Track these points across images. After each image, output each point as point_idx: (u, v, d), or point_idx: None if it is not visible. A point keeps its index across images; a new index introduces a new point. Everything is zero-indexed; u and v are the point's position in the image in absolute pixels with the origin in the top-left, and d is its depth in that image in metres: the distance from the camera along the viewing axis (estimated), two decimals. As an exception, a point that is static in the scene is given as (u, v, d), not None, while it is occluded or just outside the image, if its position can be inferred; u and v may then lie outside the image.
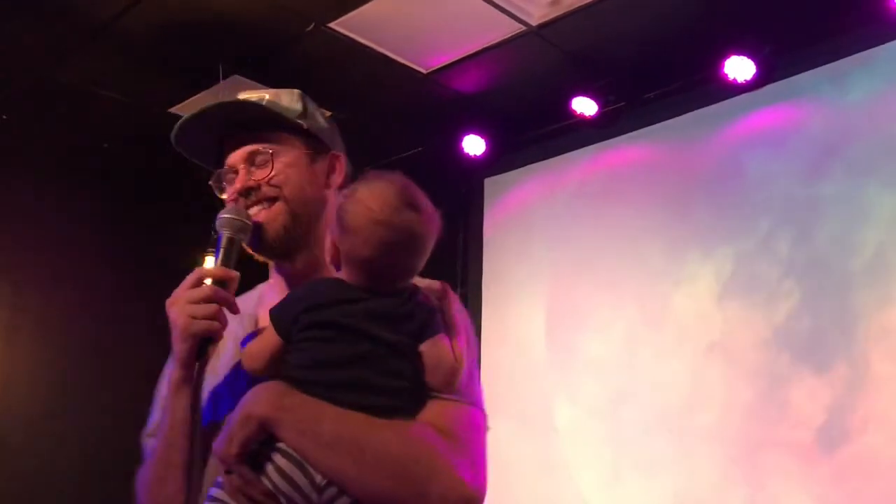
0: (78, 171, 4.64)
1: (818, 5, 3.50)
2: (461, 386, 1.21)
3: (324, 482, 1.11)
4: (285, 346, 1.20)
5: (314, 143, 1.41)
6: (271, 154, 1.38)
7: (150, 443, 1.31)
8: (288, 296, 1.28)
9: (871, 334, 3.35)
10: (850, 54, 3.59)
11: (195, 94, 4.27)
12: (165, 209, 4.80)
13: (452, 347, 1.20)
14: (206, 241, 4.29)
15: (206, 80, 4.10)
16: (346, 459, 1.11)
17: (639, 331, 4.03)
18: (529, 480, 4.09)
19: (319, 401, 1.14)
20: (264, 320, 1.28)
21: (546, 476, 4.09)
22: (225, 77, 4.06)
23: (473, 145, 4.51)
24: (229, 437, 1.14)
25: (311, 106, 1.46)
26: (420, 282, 1.29)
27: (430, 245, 1.23)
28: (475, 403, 1.25)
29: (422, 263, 1.24)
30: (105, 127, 4.56)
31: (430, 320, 1.20)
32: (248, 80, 4.13)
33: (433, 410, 1.18)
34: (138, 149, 4.71)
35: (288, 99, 1.44)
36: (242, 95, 1.45)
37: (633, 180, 4.23)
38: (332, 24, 3.68)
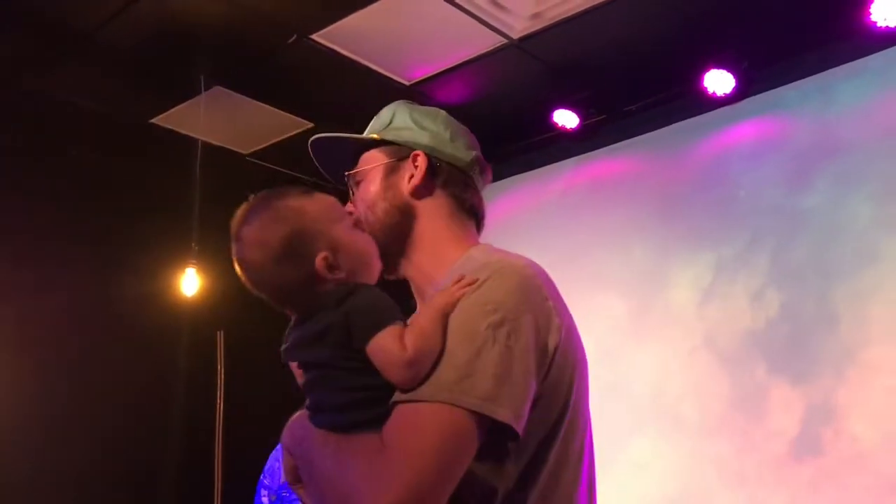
0: (55, 183, 4.60)
1: (796, 20, 3.54)
2: (433, 379, 1.07)
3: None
4: None
5: (397, 151, 1.37)
6: (355, 179, 1.39)
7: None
8: None
9: (848, 345, 3.38)
10: (827, 68, 3.64)
11: (176, 106, 4.25)
12: (145, 221, 4.77)
13: (403, 342, 1.08)
14: (186, 252, 4.28)
15: (189, 91, 4.09)
16: (309, 479, 1.15)
17: (621, 338, 4.05)
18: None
19: (309, 425, 1.16)
20: None
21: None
22: (207, 88, 4.05)
23: (455, 157, 4.51)
24: (283, 464, 1.23)
25: (403, 113, 1.41)
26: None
27: (266, 266, 1.18)
28: (439, 398, 1.05)
29: (278, 285, 1.19)
30: (84, 138, 4.53)
31: (355, 323, 1.11)
32: (230, 91, 4.13)
33: (392, 417, 1.08)
34: (118, 160, 4.69)
35: (382, 114, 1.44)
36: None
37: (614, 192, 4.26)
38: (314, 36, 3.68)
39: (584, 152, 4.35)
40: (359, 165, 1.39)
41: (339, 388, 1.13)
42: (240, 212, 1.23)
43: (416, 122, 1.39)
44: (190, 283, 4.13)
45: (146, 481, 4.72)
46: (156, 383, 4.72)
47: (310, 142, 1.43)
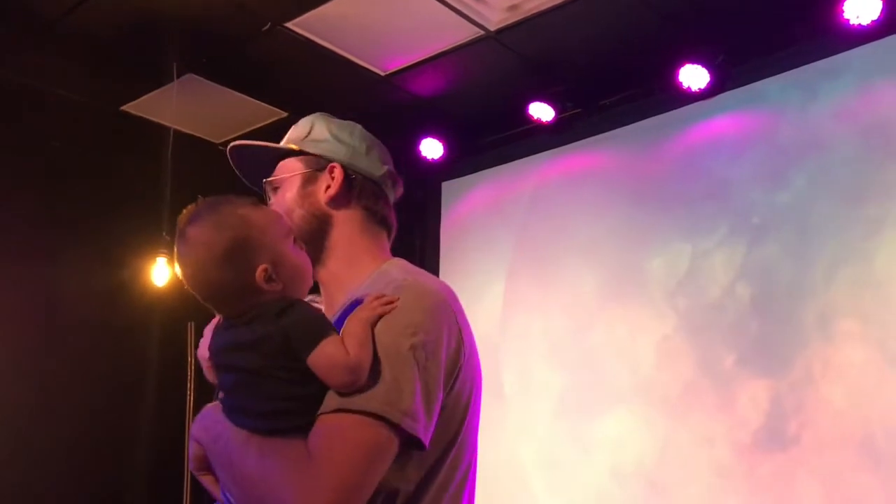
0: (25, 171, 4.52)
1: (770, 17, 3.57)
2: (363, 393, 1.15)
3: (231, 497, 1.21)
4: None
5: (314, 162, 1.44)
6: (272, 186, 1.47)
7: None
8: None
9: (815, 342, 3.43)
10: (801, 65, 3.67)
11: (149, 93, 4.20)
12: (116, 209, 4.71)
13: (345, 349, 1.16)
14: (156, 242, 4.23)
15: (161, 78, 4.04)
16: (226, 475, 1.20)
17: (594, 332, 4.06)
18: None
19: (227, 423, 1.21)
20: None
21: (503, 473, 4.09)
22: (179, 76, 4.00)
23: (431, 149, 4.50)
24: (190, 454, 1.28)
25: (321, 125, 1.49)
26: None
27: (206, 266, 1.23)
28: (365, 411, 1.14)
29: (215, 287, 1.24)
30: (54, 126, 4.47)
31: (295, 335, 1.18)
32: (203, 79, 4.08)
33: (317, 426, 1.15)
34: (88, 148, 4.62)
35: (301, 125, 1.50)
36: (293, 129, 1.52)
37: (589, 185, 4.27)
38: (289, 24, 3.65)
39: (559, 146, 4.36)
40: (276, 173, 1.47)
41: (266, 395, 1.19)
42: (188, 210, 1.28)
43: (333, 135, 1.47)
44: (161, 273, 4.09)
45: (116, 473, 4.68)
46: (126, 373, 4.67)
47: (229, 148, 1.50)
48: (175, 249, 1.28)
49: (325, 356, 1.16)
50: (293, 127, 1.51)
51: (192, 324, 3.83)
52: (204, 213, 1.27)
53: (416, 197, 4.71)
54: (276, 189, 1.47)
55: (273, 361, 1.18)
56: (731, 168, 3.81)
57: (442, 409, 1.24)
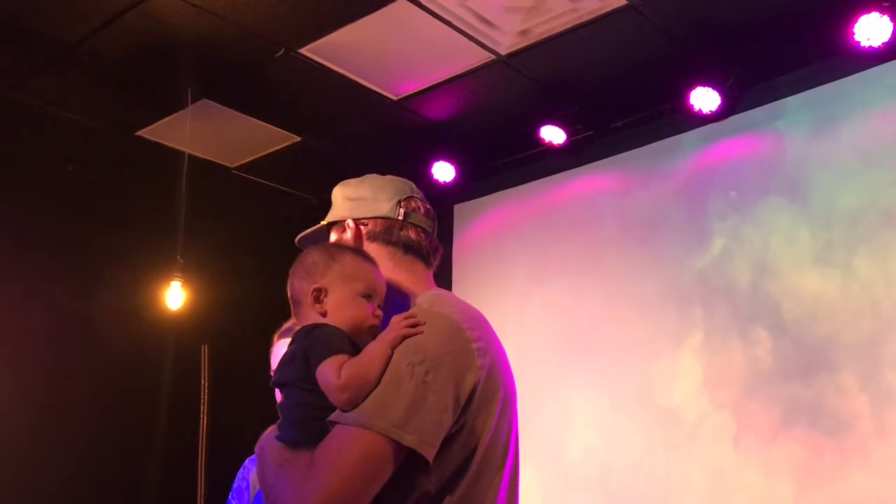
0: (41, 196, 4.57)
1: (781, 39, 3.58)
2: (361, 407, 1.25)
3: None
4: None
5: (339, 227, 1.64)
6: None
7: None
8: None
9: (798, 357, 3.43)
10: (812, 87, 3.67)
11: (164, 118, 4.24)
12: (130, 233, 4.75)
13: (339, 371, 1.27)
14: (171, 266, 4.25)
15: (175, 103, 4.08)
16: (262, 483, 1.32)
17: (608, 354, 4.05)
18: None
19: (270, 437, 1.36)
20: None
21: None
22: (194, 101, 4.04)
23: (443, 172, 4.52)
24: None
25: (336, 194, 1.68)
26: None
27: (294, 273, 1.48)
28: (364, 425, 1.23)
29: (292, 291, 1.48)
30: (70, 150, 4.51)
31: (311, 350, 1.31)
32: (218, 105, 4.12)
33: (325, 438, 1.27)
34: (104, 173, 4.66)
35: (335, 197, 1.69)
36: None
37: (600, 208, 4.27)
38: (302, 50, 3.69)
39: (570, 168, 4.36)
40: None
41: (294, 404, 1.34)
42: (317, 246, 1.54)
43: (345, 198, 1.66)
44: (175, 296, 4.11)
45: (130, 496, 4.68)
46: (140, 397, 4.69)
47: (297, 242, 1.71)
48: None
49: (321, 375, 1.29)
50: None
51: (206, 347, 3.86)
52: (331, 243, 1.57)
53: (428, 220, 4.72)
54: None
55: (299, 375, 1.32)
56: (742, 190, 3.80)
57: (458, 429, 1.32)
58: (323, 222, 1.69)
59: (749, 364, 3.62)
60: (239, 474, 2.48)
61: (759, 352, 3.61)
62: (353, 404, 1.25)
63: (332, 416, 1.26)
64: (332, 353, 1.29)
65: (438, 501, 1.30)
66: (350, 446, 1.22)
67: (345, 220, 1.63)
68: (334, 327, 1.38)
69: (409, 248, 1.61)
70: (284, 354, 1.38)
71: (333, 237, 1.64)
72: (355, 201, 1.65)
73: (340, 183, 1.71)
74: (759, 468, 3.49)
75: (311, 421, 1.29)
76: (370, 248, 1.59)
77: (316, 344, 1.32)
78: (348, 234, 1.61)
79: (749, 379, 3.60)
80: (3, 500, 4.16)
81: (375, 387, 1.26)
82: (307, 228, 1.71)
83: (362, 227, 1.61)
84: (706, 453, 3.65)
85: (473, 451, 1.34)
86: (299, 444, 1.28)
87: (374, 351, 1.30)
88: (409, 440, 1.23)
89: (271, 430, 1.39)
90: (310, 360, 1.30)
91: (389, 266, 1.57)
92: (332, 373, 1.27)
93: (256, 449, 1.39)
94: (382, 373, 1.27)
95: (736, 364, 3.66)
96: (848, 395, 3.33)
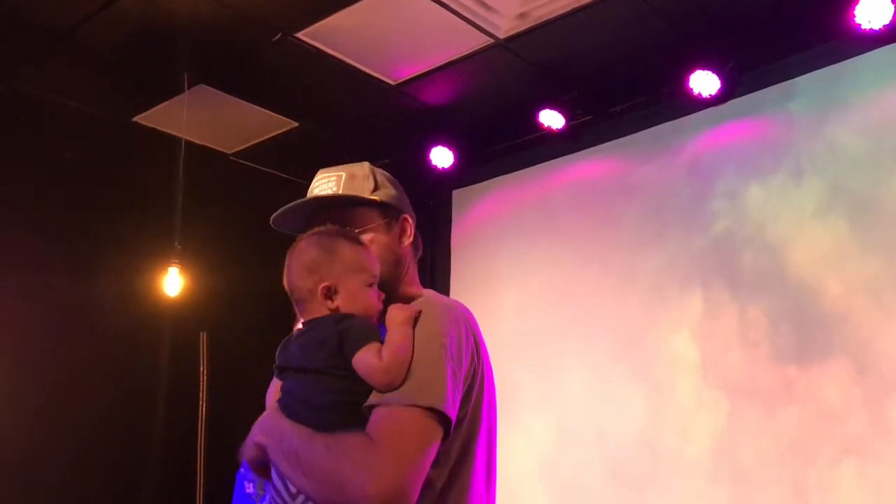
0: (37, 182, 4.55)
1: (781, 22, 3.56)
2: (403, 387, 1.34)
3: (294, 489, 1.36)
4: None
5: (388, 211, 1.64)
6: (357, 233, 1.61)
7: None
8: None
9: (796, 338, 3.43)
10: (813, 70, 3.65)
11: (160, 104, 4.22)
12: (128, 220, 4.73)
13: (380, 355, 1.36)
14: (168, 252, 4.24)
15: (172, 89, 4.06)
16: (295, 470, 1.35)
17: (607, 339, 4.05)
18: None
19: (289, 422, 1.39)
20: None
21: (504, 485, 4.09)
22: (190, 86, 4.02)
23: (441, 157, 4.51)
24: (247, 457, 1.44)
25: (381, 176, 1.67)
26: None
27: (293, 271, 1.50)
28: (415, 403, 1.33)
29: (295, 288, 1.50)
30: (66, 136, 4.49)
31: (347, 339, 1.39)
32: (214, 90, 4.10)
33: (372, 419, 1.34)
34: (100, 158, 4.64)
35: (361, 175, 1.65)
36: (320, 174, 1.68)
37: (599, 192, 4.26)
38: (299, 35, 3.66)
39: (569, 153, 4.35)
40: (359, 223, 1.61)
41: (324, 391, 1.40)
42: (312, 231, 1.54)
43: (393, 186, 1.69)
44: (173, 282, 4.10)
45: (129, 482, 4.68)
46: (138, 384, 4.68)
47: (312, 198, 1.65)
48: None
49: (361, 361, 1.37)
50: (349, 174, 1.64)
51: (205, 334, 3.85)
52: (317, 232, 1.53)
53: (426, 205, 4.71)
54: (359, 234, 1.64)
55: (332, 361, 1.39)
56: (742, 174, 3.79)
57: (467, 406, 1.44)
58: (375, 197, 1.63)
59: (748, 344, 3.62)
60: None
61: (758, 333, 3.61)
62: (394, 386, 1.34)
63: (373, 399, 1.34)
64: (369, 341, 1.39)
65: (429, 482, 1.36)
66: (409, 423, 1.32)
67: (403, 215, 1.67)
68: (361, 318, 1.46)
69: (418, 251, 1.72)
70: (306, 341, 1.44)
71: (374, 223, 1.61)
72: (397, 197, 1.67)
73: (370, 165, 1.69)
74: (754, 445, 3.51)
75: (347, 405, 1.36)
76: (406, 247, 1.65)
77: (350, 332, 1.40)
78: (398, 230, 1.64)
79: (747, 359, 3.60)
80: (0, 482, 4.17)
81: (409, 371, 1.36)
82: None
83: (410, 227, 1.68)
84: (702, 429, 3.67)
85: (464, 437, 1.45)
86: (337, 427, 1.34)
87: (400, 335, 1.39)
88: (451, 413, 1.36)
89: (271, 416, 1.44)
90: (345, 348, 1.38)
91: (411, 263, 1.67)
92: (374, 358, 1.36)
93: (264, 436, 1.41)
94: (412, 354, 1.37)
95: (734, 344, 3.66)
96: (844, 377, 3.34)
